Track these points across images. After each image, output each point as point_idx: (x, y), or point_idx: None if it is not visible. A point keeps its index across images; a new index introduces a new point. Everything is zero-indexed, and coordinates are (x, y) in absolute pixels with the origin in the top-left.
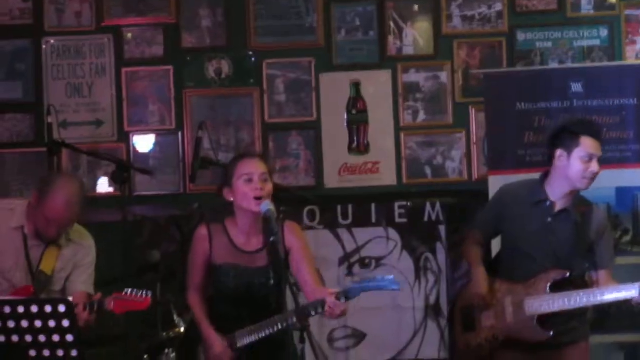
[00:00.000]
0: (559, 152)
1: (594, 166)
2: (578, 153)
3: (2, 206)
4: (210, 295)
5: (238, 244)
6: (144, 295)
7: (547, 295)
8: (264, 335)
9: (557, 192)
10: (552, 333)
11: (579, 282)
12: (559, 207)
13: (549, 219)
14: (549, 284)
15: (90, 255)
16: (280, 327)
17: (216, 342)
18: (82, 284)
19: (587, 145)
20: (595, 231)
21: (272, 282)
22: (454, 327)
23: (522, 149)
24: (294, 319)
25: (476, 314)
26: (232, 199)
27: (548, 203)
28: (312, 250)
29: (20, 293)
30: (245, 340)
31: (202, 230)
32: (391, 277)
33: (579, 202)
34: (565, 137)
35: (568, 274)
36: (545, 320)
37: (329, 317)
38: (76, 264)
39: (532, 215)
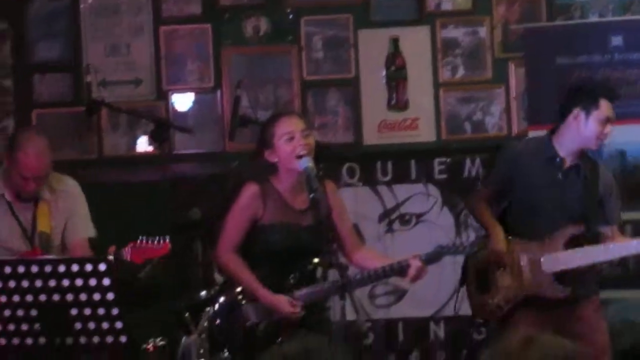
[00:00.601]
0: (576, 111)
1: (609, 129)
2: (597, 115)
3: None
4: (255, 254)
5: (288, 199)
6: (161, 242)
7: (564, 252)
8: (328, 296)
9: (566, 148)
10: (570, 289)
11: (593, 238)
12: (568, 163)
13: (560, 175)
14: (565, 241)
15: (78, 197)
16: (339, 290)
17: (281, 302)
18: (82, 230)
19: (605, 108)
20: (603, 187)
21: (318, 241)
22: (468, 288)
23: None
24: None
25: (491, 275)
26: (275, 160)
27: (558, 159)
28: (351, 207)
29: (27, 257)
30: (306, 301)
31: (253, 188)
32: (474, 241)
33: (585, 158)
34: (585, 97)
35: (584, 230)
36: (561, 277)
37: (409, 280)
38: (68, 214)
39: (543, 171)
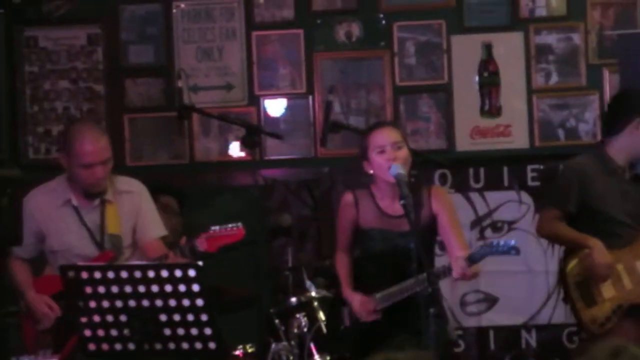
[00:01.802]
0: (637, 121)
1: None
2: None
3: (44, 190)
4: (356, 257)
5: (383, 208)
6: (234, 228)
7: None
8: (399, 298)
9: (622, 158)
10: None
11: None
12: (628, 174)
13: (624, 185)
14: None
15: (145, 198)
16: (413, 290)
17: (355, 298)
18: (152, 230)
19: None
20: None
21: (416, 246)
22: (573, 304)
23: None
24: (426, 283)
25: (593, 288)
26: (371, 172)
27: (620, 170)
28: None
29: (101, 260)
30: (384, 302)
31: (348, 197)
32: (512, 242)
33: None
34: None
35: None
36: None
37: (460, 279)
38: (137, 213)
39: (609, 182)
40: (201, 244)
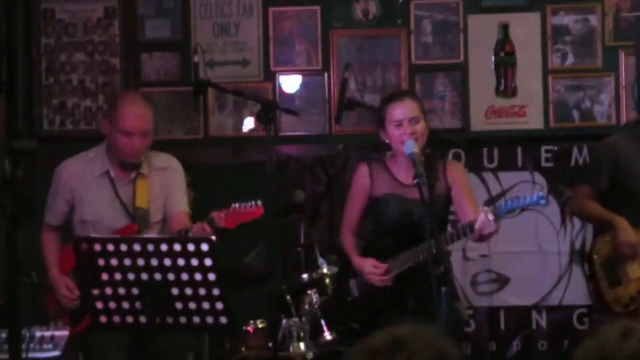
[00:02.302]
0: None
1: None
2: None
3: (82, 160)
4: (371, 229)
5: (399, 177)
6: (254, 206)
7: None
8: (412, 263)
9: None
10: None
11: None
12: None
13: None
14: None
15: (178, 175)
16: (424, 256)
17: (367, 262)
18: (179, 204)
19: None
20: None
21: (430, 215)
22: (597, 283)
23: None
24: (439, 247)
25: (619, 267)
26: (387, 141)
27: None
28: None
29: (125, 232)
30: (397, 268)
31: (363, 168)
32: (540, 193)
33: None
34: None
35: None
36: None
37: (477, 238)
38: (168, 189)
39: None
40: (220, 221)
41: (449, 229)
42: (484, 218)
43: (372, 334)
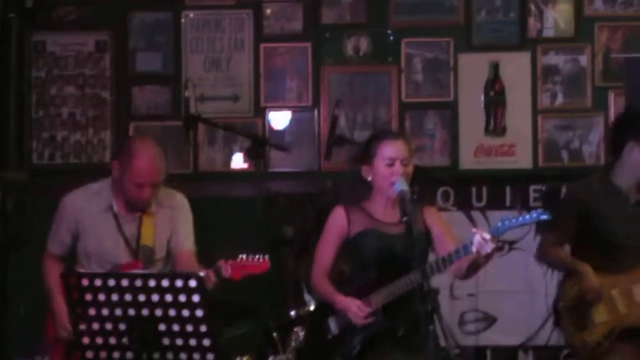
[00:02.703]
0: (630, 145)
1: None
2: None
3: (87, 192)
4: (351, 268)
5: (376, 216)
6: (261, 259)
7: None
8: (395, 295)
9: (627, 182)
10: None
11: None
12: (633, 197)
13: (629, 209)
14: None
15: (184, 212)
16: (409, 286)
17: (352, 302)
18: (187, 242)
19: None
20: None
21: (411, 250)
22: (564, 328)
23: None
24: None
25: (585, 312)
26: (369, 178)
27: (623, 194)
28: None
29: (129, 268)
30: (379, 301)
31: (339, 210)
32: (539, 209)
33: None
34: (635, 128)
35: None
36: None
37: (473, 267)
38: (174, 226)
39: (612, 207)
40: (226, 270)
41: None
42: (479, 238)
43: None
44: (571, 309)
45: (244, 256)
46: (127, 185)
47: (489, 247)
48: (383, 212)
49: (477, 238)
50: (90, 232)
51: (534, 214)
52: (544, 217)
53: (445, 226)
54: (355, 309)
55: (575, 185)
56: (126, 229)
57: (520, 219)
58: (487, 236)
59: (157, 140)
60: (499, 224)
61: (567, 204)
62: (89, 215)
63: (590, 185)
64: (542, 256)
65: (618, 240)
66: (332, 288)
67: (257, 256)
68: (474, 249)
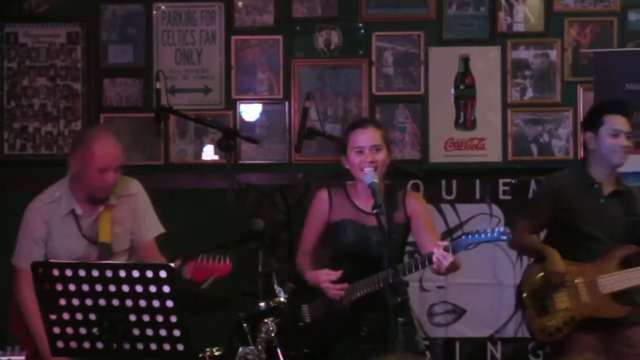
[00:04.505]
0: (587, 135)
1: (623, 140)
2: (605, 131)
3: (46, 200)
4: (329, 257)
5: (358, 204)
6: (223, 261)
7: (619, 272)
8: (366, 292)
9: (600, 173)
10: (630, 307)
11: None
12: (608, 188)
13: (602, 200)
14: (618, 262)
15: (141, 198)
16: (380, 284)
17: (321, 272)
18: (148, 231)
19: (612, 122)
20: None
21: (387, 242)
22: (525, 312)
23: None
24: (396, 277)
25: (548, 297)
26: (348, 167)
27: (597, 185)
28: None
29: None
30: (352, 295)
31: (323, 193)
32: (501, 228)
33: (621, 184)
34: (589, 120)
35: (636, 251)
36: (618, 297)
37: (437, 271)
38: (136, 216)
39: (586, 198)
40: (188, 272)
41: (407, 259)
42: (437, 254)
43: None
44: (534, 293)
45: (205, 256)
46: (89, 175)
47: (447, 262)
48: (365, 200)
49: (436, 253)
50: (56, 239)
51: (495, 233)
52: (504, 237)
53: (427, 215)
54: (325, 276)
55: (550, 176)
56: (87, 230)
57: (483, 235)
58: (446, 254)
59: (129, 132)
60: (461, 240)
61: (542, 193)
62: (54, 225)
63: (566, 177)
64: (514, 242)
65: (587, 230)
66: (308, 265)
67: (218, 257)
68: (434, 266)
